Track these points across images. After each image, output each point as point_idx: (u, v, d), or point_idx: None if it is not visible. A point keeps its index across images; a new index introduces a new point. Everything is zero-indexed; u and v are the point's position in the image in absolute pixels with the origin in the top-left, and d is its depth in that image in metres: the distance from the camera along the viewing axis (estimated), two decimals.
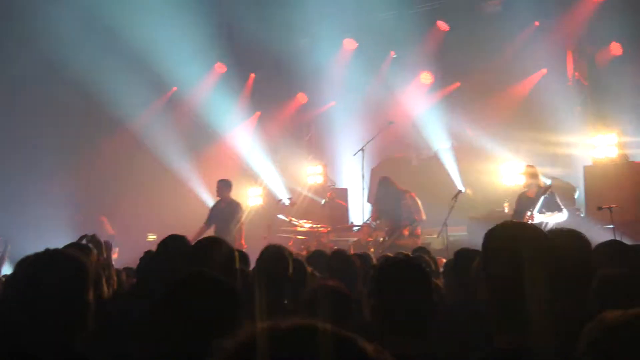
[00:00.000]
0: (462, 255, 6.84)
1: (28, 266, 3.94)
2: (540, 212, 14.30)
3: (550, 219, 14.10)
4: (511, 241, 3.23)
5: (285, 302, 6.26)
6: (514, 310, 3.11)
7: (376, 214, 17.40)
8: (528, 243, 3.18)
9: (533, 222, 13.38)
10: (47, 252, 4.10)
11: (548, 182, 17.50)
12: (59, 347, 3.71)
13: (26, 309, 3.76)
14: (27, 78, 20.80)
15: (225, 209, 17.04)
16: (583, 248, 3.84)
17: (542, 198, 14.46)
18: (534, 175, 15.22)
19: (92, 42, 20.12)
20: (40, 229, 19.13)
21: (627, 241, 11.97)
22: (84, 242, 7.79)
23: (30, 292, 3.79)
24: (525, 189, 15.25)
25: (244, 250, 9.57)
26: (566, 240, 3.71)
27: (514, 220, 14.69)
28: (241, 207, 17.28)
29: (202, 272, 3.58)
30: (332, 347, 1.69)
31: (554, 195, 14.68)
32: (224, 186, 17.29)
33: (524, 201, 14.81)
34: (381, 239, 16.52)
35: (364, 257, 8.99)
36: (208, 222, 16.98)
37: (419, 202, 16.35)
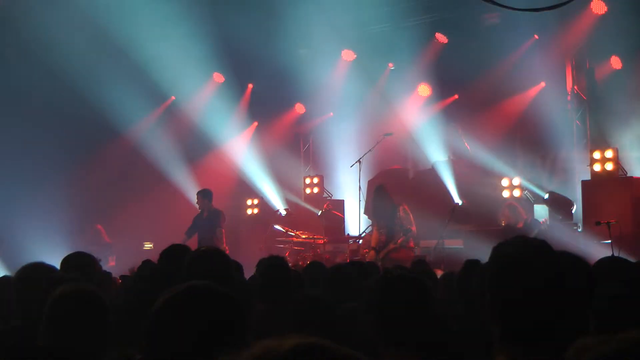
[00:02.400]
0: (469, 267, 6.82)
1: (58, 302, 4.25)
2: None
3: None
4: (520, 261, 3.20)
5: (284, 313, 6.24)
6: (516, 327, 3.09)
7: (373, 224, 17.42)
8: (536, 264, 3.16)
9: None
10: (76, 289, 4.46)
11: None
12: None
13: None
14: (25, 86, 20.81)
15: (208, 218, 17.12)
16: (584, 270, 3.81)
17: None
18: (513, 209, 15.66)
19: (91, 51, 20.11)
20: (37, 236, 19.11)
21: (625, 257, 11.97)
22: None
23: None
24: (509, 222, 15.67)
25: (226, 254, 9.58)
26: (569, 262, 3.68)
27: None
28: (223, 214, 17.33)
29: (203, 285, 3.54)
30: None
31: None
32: (203, 196, 17.41)
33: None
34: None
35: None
36: (189, 233, 17.05)
37: (411, 215, 16.32)
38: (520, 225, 15.76)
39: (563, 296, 3.11)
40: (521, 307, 3.07)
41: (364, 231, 19.23)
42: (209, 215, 17.15)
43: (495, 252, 3.32)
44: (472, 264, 6.87)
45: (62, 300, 4.39)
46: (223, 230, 17.24)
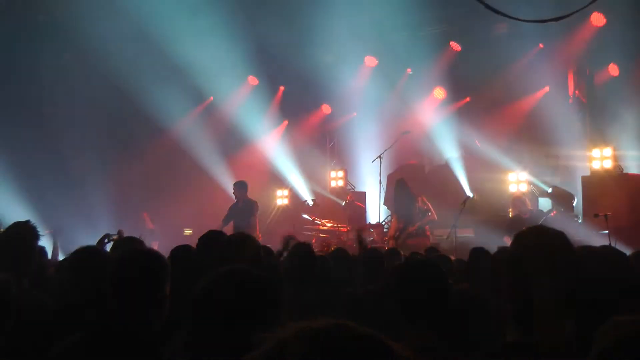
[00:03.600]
0: (476, 254, 6.78)
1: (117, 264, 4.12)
2: None
3: None
4: (544, 247, 3.19)
5: (312, 296, 6.21)
6: (532, 308, 3.06)
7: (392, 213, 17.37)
8: (560, 252, 3.14)
9: None
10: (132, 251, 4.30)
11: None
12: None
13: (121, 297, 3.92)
14: (80, 87, 20.97)
15: (243, 208, 17.04)
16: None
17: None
18: (521, 201, 15.72)
19: (138, 55, 20.17)
20: (89, 223, 19.19)
21: (621, 246, 11.88)
22: (106, 240, 7.84)
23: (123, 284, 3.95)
24: (517, 213, 15.67)
25: (259, 241, 9.58)
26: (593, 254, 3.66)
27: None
28: (257, 204, 17.24)
29: (242, 269, 3.50)
30: (359, 346, 1.64)
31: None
32: (239, 187, 17.31)
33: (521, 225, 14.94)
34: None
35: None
36: (225, 220, 16.95)
37: (430, 205, 16.31)
38: (526, 216, 15.71)
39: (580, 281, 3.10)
40: (539, 291, 3.05)
41: (384, 220, 19.21)
42: (244, 204, 17.08)
43: (518, 238, 3.31)
44: (478, 251, 6.85)
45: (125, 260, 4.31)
46: (257, 219, 17.21)
